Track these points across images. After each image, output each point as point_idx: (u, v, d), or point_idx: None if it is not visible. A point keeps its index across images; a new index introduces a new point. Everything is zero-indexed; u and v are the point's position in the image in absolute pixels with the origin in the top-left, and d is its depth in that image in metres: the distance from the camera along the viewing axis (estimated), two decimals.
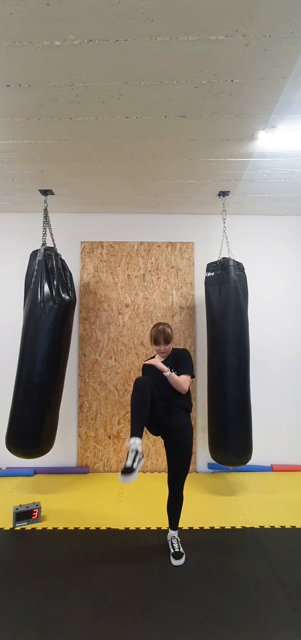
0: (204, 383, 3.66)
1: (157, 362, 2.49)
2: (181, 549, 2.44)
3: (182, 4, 1.50)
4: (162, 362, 2.56)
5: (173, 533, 2.54)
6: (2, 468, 3.83)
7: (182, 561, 2.37)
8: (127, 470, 1.98)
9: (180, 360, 2.56)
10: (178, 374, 2.49)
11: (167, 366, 2.49)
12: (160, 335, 2.54)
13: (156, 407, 2.32)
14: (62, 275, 3.27)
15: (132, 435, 2.10)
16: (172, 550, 2.43)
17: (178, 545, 2.46)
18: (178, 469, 2.48)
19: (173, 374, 2.47)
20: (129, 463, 2.00)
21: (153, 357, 2.67)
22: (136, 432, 2.11)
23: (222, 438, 3.19)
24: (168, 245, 4.06)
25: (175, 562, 2.36)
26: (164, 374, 2.44)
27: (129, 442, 2.08)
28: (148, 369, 2.58)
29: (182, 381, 2.46)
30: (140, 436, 2.11)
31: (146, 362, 2.56)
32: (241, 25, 1.60)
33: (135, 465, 2.01)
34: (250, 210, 3.98)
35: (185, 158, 2.84)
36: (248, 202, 3.75)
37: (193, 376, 2.56)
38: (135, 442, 2.07)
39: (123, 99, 2.10)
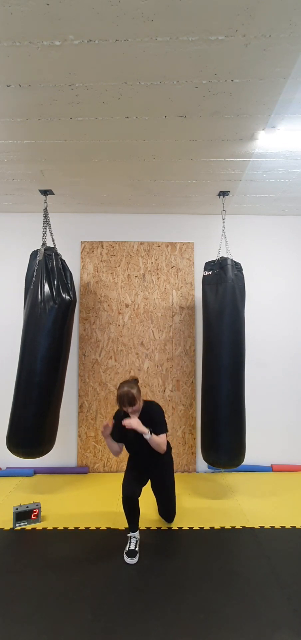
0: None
1: (138, 425, 2.45)
2: (137, 548, 2.46)
3: (182, 4, 1.50)
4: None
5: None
6: (2, 468, 3.83)
7: (135, 559, 2.39)
8: (132, 553, 2.42)
9: (154, 419, 2.56)
10: (156, 433, 2.51)
11: (145, 423, 2.48)
12: (124, 399, 2.48)
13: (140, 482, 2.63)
14: (62, 275, 3.26)
15: (131, 531, 2.53)
16: (127, 549, 2.46)
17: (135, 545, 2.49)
18: (168, 503, 2.76)
19: (154, 437, 2.49)
20: (133, 547, 2.46)
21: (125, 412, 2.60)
22: (133, 529, 2.54)
23: (213, 439, 3.12)
24: (168, 245, 4.06)
25: (128, 560, 2.38)
26: (145, 436, 2.47)
27: (129, 534, 2.52)
28: (128, 442, 2.64)
29: (161, 442, 2.52)
30: (136, 530, 2.55)
31: (124, 423, 2.47)
32: (241, 25, 1.60)
33: (136, 548, 2.46)
34: (250, 210, 3.98)
35: (185, 158, 2.84)
36: (248, 202, 3.75)
37: (167, 431, 2.62)
38: (135, 534, 2.53)
39: (123, 99, 2.10)
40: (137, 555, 2.42)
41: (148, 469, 2.68)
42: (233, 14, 1.54)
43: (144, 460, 2.65)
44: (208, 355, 3.29)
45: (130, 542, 2.49)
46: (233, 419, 3.13)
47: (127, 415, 2.58)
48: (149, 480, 2.75)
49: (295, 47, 1.72)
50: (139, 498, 2.55)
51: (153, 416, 2.58)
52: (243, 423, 3.20)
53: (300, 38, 1.66)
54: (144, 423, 2.49)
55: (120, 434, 2.63)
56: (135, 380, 2.64)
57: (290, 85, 1.98)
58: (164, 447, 2.54)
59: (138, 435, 2.50)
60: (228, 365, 3.15)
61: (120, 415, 2.62)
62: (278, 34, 1.64)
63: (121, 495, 2.52)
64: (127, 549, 2.46)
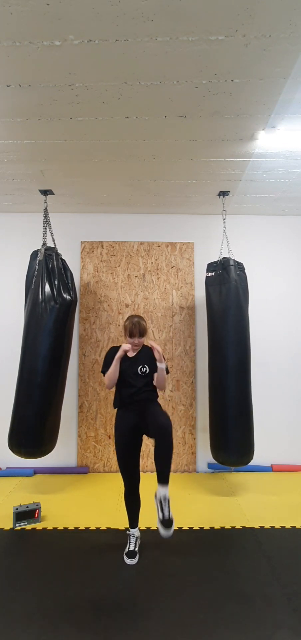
0: (204, 383, 3.66)
1: (159, 349, 2.40)
2: (171, 515, 2.02)
3: (182, 4, 1.50)
4: (135, 355, 2.51)
5: (162, 491, 2.07)
6: (2, 468, 3.83)
7: (171, 531, 2.00)
8: (132, 554, 2.43)
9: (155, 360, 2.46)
10: (155, 371, 2.47)
11: (141, 362, 2.48)
12: (135, 328, 2.47)
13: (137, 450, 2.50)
14: (63, 275, 3.26)
15: (131, 527, 2.54)
16: (161, 516, 2.01)
17: (168, 508, 2.02)
18: (162, 418, 2.25)
19: (164, 371, 2.46)
20: (132, 548, 2.47)
21: (118, 346, 2.54)
22: (133, 525, 2.54)
23: (223, 438, 3.19)
24: (168, 245, 4.06)
25: (164, 532, 2.00)
26: (161, 365, 2.42)
27: (130, 530, 2.53)
28: (121, 375, 2.46)
29: (166, 379, 2.54)
30: (136, 526, 2.55)
31: (151, 343, 2.42)
32: (241, 25, 1.60)
33: (136, 549, 2.47)
34: (250, 210, 3.98)
35: (185, 158, 2.84)
36: (248, 202, 3.75)
37: (168, 372, 2.60)
38: (134, 532, 2.53)
39: (123, 99, 2.09)
40: (137, 556, 2.41)
41: (140, 411, 2.42)
42: (233, 14, 1.54)
43: (135, 399, 2.45)
44: (214, 356, 3.32)
45: (130, 542, 2.49)
46: (242, 418, 3.18)
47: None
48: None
49: (295, 47, 1.72)
50: (139, 500, 2.55)
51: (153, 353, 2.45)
52: (251, 422, 3.25)
53: (300, 38, 1.66)
54: (142, 360, 2.49)
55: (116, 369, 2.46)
56: (142, 316, 2.62)
57: (290, 85, 1.98)
58: (166, 385, 2.55)
59: (132, 368, 2.47)
60: (235, 364, 3.19)
61: (116, 350, 2.50)
62: (278, 34, 1.64)
63: (123, 484, 2.50)
64: (126, 549, 2.46)
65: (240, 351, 3.22)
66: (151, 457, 3.84)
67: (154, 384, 2.51)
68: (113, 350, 2.56)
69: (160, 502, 2.06)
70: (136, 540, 2.50)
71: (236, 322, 3.23)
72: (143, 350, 2.57)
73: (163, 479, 2.09)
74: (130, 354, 2.53)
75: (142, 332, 2.49)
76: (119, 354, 2.44)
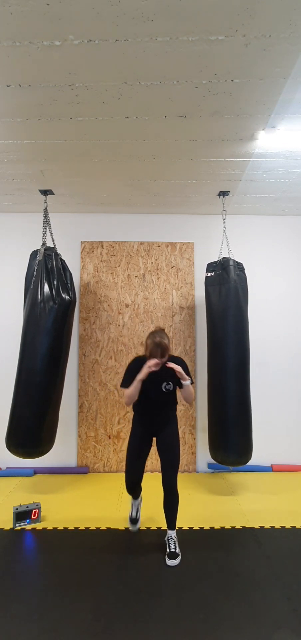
0: (204, 383, 3.66)
1: (181, 370, 2.36)
2: (177, 550, 2.42)
3: (182, 4, 1.50)
4: (158, 371, 2.39)
5: (170, 533, 2.50)
6: (2, 468, 3.83)
7: (176, 562, 2.36)
8: (134, 521, 2.69)
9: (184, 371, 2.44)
10: (181, 386, 2.46)
11: (165, 378, 2.44)
12: (157, 348, 2.33)
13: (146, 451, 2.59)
14: (62, 275, 3.26)
15: (134, 499, 2.70)
16: (168, 550, 2.43)
17: (174, 545, 2.44)
18: (169, 463, 2.47)
19: (190, 385, 2.44)
20: (134, 515, 2.68)
21: (144, 356, 2.47)
22: (135, 497, 2.71)
23: (222, 438, 3.19)
24: (168, 245, 4.06)
25: (169, 562, 2.36)
26: (185, 383, 2.41)
27: (132, 500, 2.71)
28: (137, 370, 2.38)
29: (193, 392, 2.50)
30: (138, 497, 2.72)
31: (170, 365, 2.35)
32: (241, 25, 1.60)
33: (138, 515, 2.70)
34: (250, 210, 3.98)
35: (185, 158, 2.84)
36: (248, 202, 3.75)
37: (193, 382, 2.61)
38: (135, 502, 2.71)
39: (123, 99, 2.09)
40: (139, 522, 2.71)
41: (157, 424, 2.53)
42: (233, 14, 1.54)
43: (155, 412, 2.50)
44: (214, 356, 3.32)
45: (132, 508, 2.71)
46: (241, 417, 3.18)
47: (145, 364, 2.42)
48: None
49: (295, 47, 1.72)
50: (140, 488, 2.70)
51: (181, 366, 2.43)
52: (250, 421, 3.25)
53: (300, 38, 1.66)
54: (167, 376, 2.44)
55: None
56: (163, 330, 2.51)
57: (290, 85, 1.98)
58: (193, 397, 2.54)
59: (155, 384, 2.43)
60: (234, 365, 3.19)
61: (139, 364, 2.42)
62: (278, 34, 1.64)
63: (125, 477, 2.62)
64: (129, 516, 2.73)
65: (239, 351, 3.22)
66: (151, 456, 3.85)
67: (183, 400, 2.56)
68: (136, 363, 2.45)
69: (168, 540, 2.49)
70: (138, 505, 2.71)
71: (235, 322, 3.23)
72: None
73: (171, 525, 2.52)
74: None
75: (164, 353, 2.35)
76: (142, 375, 2.33)
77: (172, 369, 2.41)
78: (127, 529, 2.76)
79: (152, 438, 2.57)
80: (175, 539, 2.47)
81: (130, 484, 2.60)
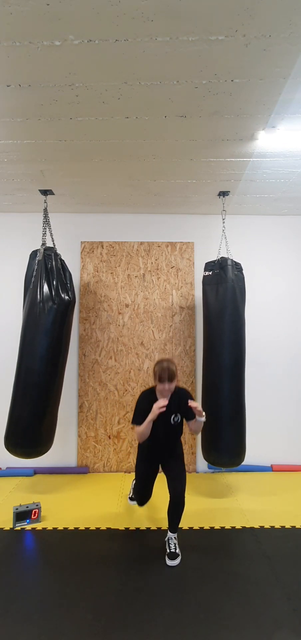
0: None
1: (196, 405, 2.41)
2: (177, 550, 2.45)
3: (182, 4, 1.50)
4: (167, 404, 2.42)
5: (171, 535, 2.53)
6: (2, 468, 3.83)
7: (176, 562, 2.39)
8: (133, 499, 2.88)
9: (187, 409, 2.48)
10: (190, 418, 2.52)
11: (173, 410, 2.51)
12: (165, 373, 2.41)
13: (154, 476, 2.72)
14: (61, 275, 3.26)
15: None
16: (168, 550, 2.46)
17: (174, 546, 2.47)
18: (179, 484, 2.52)
19: (201, 420, 2.48)
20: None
21: (151, 389, 2.58)
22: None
23: (214, 439, 3.15)
24: (168, 245, 4.06)
25: (169, 562, 2.39)
26: (200, 419, 2.46)
27: (132, 484, 2.92)
28: (146, 405, 2.44)
29: (201, 426, 2.55)
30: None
31: (191, 404, 2.40)
32: (241, 25, 1.60)
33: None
34: (250, 210, 3.98)
35: (185, 158, 2.84)
36: (248, 202, 3.75)
37: None
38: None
39: (123, 99, 2.09)
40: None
41: (164, 456, 2.64)
42: (233, 14, 1.54)
43: (163, 446, 2.59)
44: (208, 356, 3.29)
45: (132, 491, 2.91)
46: (234, 418, 3.15)
47: (155, 397, 2.50)
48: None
49: (295, 47, 1.72)
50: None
51: (185, 400, 2.47)
52: (244, 422, 3.21)
53: (300, 38, 1.66)
54: (175, 408, 2.51)
55: (146, 414, 2.45)
56: (171, 359, 2.63)
57: (290, 85, 1.98)
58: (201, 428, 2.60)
59: (164, 418, 2.47)
60: (229, 365, 3.16)
61: (148, 399, 2.50)
62: (278, 34, 1.64)
63: (133, 492, 2.85)
64: (130, 494, 3.00)
65: (234, 351, 3.19)
66: None
67: (190, 430, 2.58)
68: (144, 398, 2.54)
69: (168, 541, 2.52)
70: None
71: (232, 322, 3.20)
72: (174, 396, 2.53)
73: (173, 529, 2.54)
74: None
75: (172, 377, 2.43)
76: (152, 416, 2.39)
77: (179, 397, 2.51)
78: (127, 528, 2.76)
79: (159, 464, 2.69)
80: (176, 540, 2.50)
81: (141, 501, 2.77)
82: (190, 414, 2.49)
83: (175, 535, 2.53)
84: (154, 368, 2.52)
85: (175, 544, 2.48)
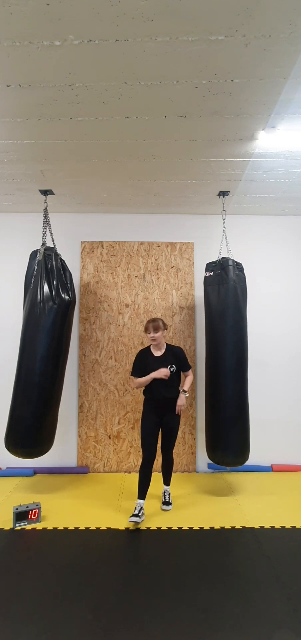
0: (204, 383, 3.65)
1: (182, 402, 2.99)
2: (170, 500, 3.08)
3: (182, 4, 1.50)
4: (162, 355, 3.00)
5: (166, 487, 3.13)
6: (2, 468, 3.83)
7: (170, 508, 3.03)
8: (136, 515, 2.79)
9: (180, 358, 3.05)
10: (184, 371, 3.08)
11: (169, 362, 2.97)
12: (150, 324, 2.96)
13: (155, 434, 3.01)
14: (61, 275, 3.27)
15: (139, 498, 2.87)
16: (163, 500, 3.08)
17: (169, 496, 3.10)
18: (170, 440, 3.04)
19: (188, 385, 3.06)
20: (136, 512, 2.81)
21: (147, 347, 3.08)
22: (141, 496, 2.88)
23: (219, 438, 3.18)
24: (168, 245, 4.06)
25: (164, 508, 3.01)
26: (186, 395, 3.03)
27: (137, 501, 2.87)
28: (151, 370, 2.94)
29: (192, 377, 3.13)
30: (144, 498, 2.88)
31: (178, 407, 2.99)
32: (241, 25, 1.60)
33: (140, 514, 2.81)
34: (250, 210, 3.98)
35: (185, 158, 2.84)
36: (248, 202, 3.75)
37: (191, 367, 3.16)
38: (140, 502, 2.87)
39: (123, 99, 2.10)
40: (140, 519, 2.79)
41: (165, 406, 2.97)
42: (233, 14, 1.54)
43: (163, 390, 2.94)
44: (212, 356, 3.31)
45: (136, 508, 2.84)
46: (239, 417, 3.17)
47: (150, 353, 3.02)
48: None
49: (295, 47, 1.72)
50: (150, 476, 2.92)
51: (179, 355, 3.04)
52: (248, 421, 3.24)
53: (300, 38, 1.67)
54: (169, 361, 2.97)
55: (145, 368, 2.97)
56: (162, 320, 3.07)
57: (290, 85, 1.98)
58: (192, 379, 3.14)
59: (162, 367, 2.93)
60: (232, 365, 3.19)
61: (144, 354, 3.04)
62: (278, 34, 1.64)
63: (142, 455, 2.96)
64: (132, 514, 2.82)
65: (237, 351, 3.21)
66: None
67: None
68: (142, 353, 3.07)
69: (164, 493, 3.14)
70: (140, 509, 2.84)
71: (234, 322, 3.22)
72: (168, 350, 3.03)
73: (167, 481, 3.17)
74: (157, 353, 3.01)
75: (156, 327, 2.94)
76: (156, 375, 2.91)
77: (174, 351, 3.05)
78: (127, 529, 2.76)
79: (160, 419, 2.99)
80: (169, 492, 3.13)
81: (145, 462, 2.90)
82: (184, 367, 3.06)
83: (169, 487, 3.15)
84: (144, 326, 3.06)
85: (169, 495, 3.11)
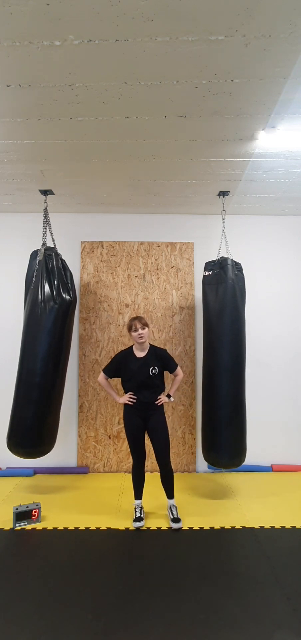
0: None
1: (165, 398, 2.91)
2: (178, 516, 2.81)
3: (182, 4, 1.50)
4: (144, 356, 2.87)
5: (171, 502, 2.89)
6: (2, 468, 3.83)
7: (180, 524, 2.75)
8: (138, 519, 2.80)
9: (165, 358, 2.94)
10: (171, 371, 2.97)
11: (151, 364, 2.84)
12: (137, 318, 2.84)
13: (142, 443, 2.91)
14: (62, 275, 3.27)
15: (136, 499, 2.90)
16: (171, 517, 2.80)
17: (176, 512, 2.83)
18: (162, 446, 2.85)
19: (175, 388, 2.99)
20: (138, 515, 2.82)
21: (130, 347, 2.97)
22: (138, 497, 2.91)
23: (214, 439, 3.14)
24: (168, 245, 4.06)
25: (174, 525, 2.74)
26: (171, 400, 2.96)
27: (135, 502, 2.89)
28: (131, 376, 2.86)
29: (181, 375, 3.02)
30: (140, 498, 2.91)
31: (159, 402, 2.89)
32: (241, 25, 1.60)
33: (142, 515, 2.84)
34: (250, 210, 3.98)
35: (185, 158, 2.84)
36: (248, 202, 3.75)
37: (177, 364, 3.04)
38: (138, 502, 2.89)
39: (123, 99, 2.09)
40: (143, 520, 2.80)
41: (147, 408, 2.85)
42: (233, 14, 1.54)
43: (144, 392, 2.84)
44: (208, 356, 3.29)
45: (136, 511, 2.85)
46: (234, 418, 3.14)
47: (132, 353, 2.89)
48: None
49: (295, 47, 1.72)
50: (143, 476, 2.94)
51: (163, 355, 2.93)
52: (244, 423, 3.20)
53: (300, 38, 1.66)
54: (153, 361, 2.85)
55: (125, 370, 2.88)
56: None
57: (290, 85, 1.98)
58: (182, 376, 3.04)
59: (144, 371, 2.83)
60: (229, 365, 3.16)
61: (124, 355, 2.93)
62: (278, 34, 1.64)
63: (132, 462, 2.93)
64: (134, 517, 2.82)
65: (234, 351, 3.18)
66: (151, 456, 3.85)
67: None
68: (122, 354, 2.96)
69: (171, 508, 2.87)
70: (140, 509, 2.86)
71: (232, 322, 3.20)
72: (151, 352, 2.90)
73: (170, 495, 2.91)
74: (139, 355, 2.88)
75: (144, 324, 2.83)
76: (121, 400, 2.88)
77: (156, 352, 2.91)
78: (127, 528, 2.76)
79: (144, 423, 2.87)
80: (176, 507, 2.87)
81: (136, 464, 2.89)
82: (170, 366, 2.95)
83: (174, 501, 2.89)
84: (127, 325, 2.93)
85: (176, 509, 2.84)
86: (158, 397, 2.87)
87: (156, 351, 2.91)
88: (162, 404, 2.90)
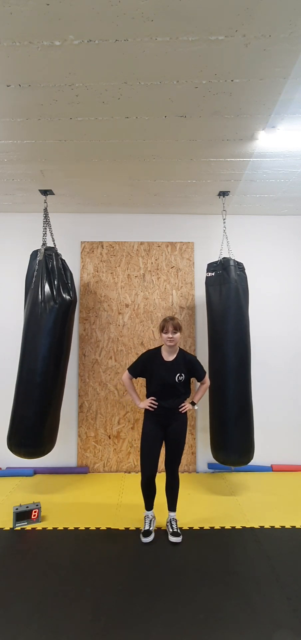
0: None
1: (189, 406, 2.73)
2: (178, 530, 2.65)
3: (182, 4, 1.50)
4: (172, 361, 2.67)
5: (172, 515, 2.74)
6: (2, 468, 3.83)
7: (179, 539, 2.59)
8: (147, 533, 2.64)
9: (195, 366, 2.74)
10: (199, 379, 2.78)
11: (179, 370, 2.66)
12: (169, 321, 2.61)
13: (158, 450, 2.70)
14: (62, 275, 3.26)
15: (147, 509, 2.74)
16: (171, 530, 2.64)
17: (176, 526, 2.67)
18: (175, 454, 2.72)
19: (199, 396, 2.79)
20: (147, 527, 2.67)
21: (158, 348, 2.77)
22: (149, 508, 2.74)
23: (223, 438, 3.20)
24: (168, 245, 4.06)
25: (174, 539, 2.58)
26: (195, 407, 2.79)
27: (145, 513, 2.74)
28: (156, 379, 2.66)
29: (207, 385, 2.83)
30: (152, 508, 2.75)
31: (182, 410, 2.69)
32: (241, 25, 1.60)
33: (151, 528, 2.68)
34: (250, 210, 3.98)
35: (185, 158, 2.84)
36: (248, 202, 3.75)
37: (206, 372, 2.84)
38: (149, 513, 2.74)
39: (123, 99, 2.09)
40: (152, 535, 2.64)
41: (168, 415, 2.67)
42: (233, 14, 1.54)
43: (168, 398, 2.66)
44: (214, 357, 3.32)
45: (145, 522, 2.70)
46: (242, 417, 3.19)
47: (159, 355, 2.68)
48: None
49: (295, 47, 1.72)
50: (155, 488, 2.73)
51: (192, 362, 2.73)
52: (251, 421, 3.25)
53: (300, 38, 1.66)
54: (180, 368, 2.66)
55: (151, 372, 2.68)
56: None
57: (290, 85, 1.98)
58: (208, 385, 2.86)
59: (170, 376, 2.64)
60: (235, 365, 3.20)
61: (151, 355, 2.72)
62: (278, 34, 1.64)
63: (141, 474, 2.70)
64: (143, 529, 2.67)
65: (240, 351, 3.22)
66: None
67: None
68: (150, 355, 2.73)
69: (171, 521, 2.71)
70: (151, 520, 2.71)
71: (236, 322, 3.23)
72: (180, 357, 2.70)
73: (172, 507, 2.76)
74: (168, 358, 2.68)
75: (176, 327, 2.61)
76: (142, 405, 2.71)
77: (185, 358, 2.71)
78: (127, 528, 2.76)
79: (163, 431, 2.69)
80: (176, 520, 2.72)
81: (146, 479, 2.66)
82: (199, 375, 2.75)
83: (175, 514, 2.74)
84: (160, 324, 2.69)
85: (176, 523, 2.70)
86: (182, 404, 2.69)
87: (185, 357, 2.71)
88: (186, 412, 2.72)
